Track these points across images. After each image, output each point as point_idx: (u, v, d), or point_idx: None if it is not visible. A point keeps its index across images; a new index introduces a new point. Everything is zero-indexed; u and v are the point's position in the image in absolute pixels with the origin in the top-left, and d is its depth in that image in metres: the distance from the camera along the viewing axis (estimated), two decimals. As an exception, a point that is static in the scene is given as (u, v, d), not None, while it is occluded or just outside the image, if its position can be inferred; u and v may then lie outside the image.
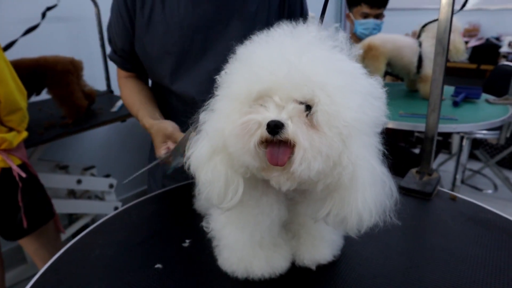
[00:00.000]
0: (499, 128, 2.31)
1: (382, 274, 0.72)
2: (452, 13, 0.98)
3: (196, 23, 1.00)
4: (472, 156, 2.93)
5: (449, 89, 2.14)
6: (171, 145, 0.90)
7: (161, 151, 0.91)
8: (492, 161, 2.88)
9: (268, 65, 0.52)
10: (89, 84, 2.06)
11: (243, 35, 0.99)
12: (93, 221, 2.31)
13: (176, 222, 0.92)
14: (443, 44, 1.01)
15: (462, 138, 2.42)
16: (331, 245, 0.75)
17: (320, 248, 0.73)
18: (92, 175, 2.21)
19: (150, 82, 1.21)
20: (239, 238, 0.68)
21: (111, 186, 2.19)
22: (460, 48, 1.99)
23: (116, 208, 2.21)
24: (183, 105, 1.09)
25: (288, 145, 0.51)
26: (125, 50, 1.10)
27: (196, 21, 1.00)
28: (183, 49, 1.02)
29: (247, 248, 0.69)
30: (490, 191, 2.93)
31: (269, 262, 0.70)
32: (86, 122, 1.89)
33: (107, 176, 2.33)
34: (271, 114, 0.51)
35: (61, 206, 1.95)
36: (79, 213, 2.26)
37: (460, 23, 2.01)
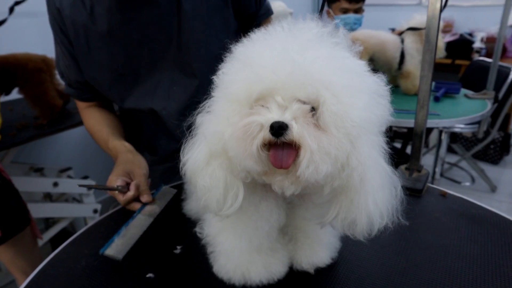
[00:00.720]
0: (476, 122, 2.37)
1: (381, 275, 0.71)
2: (441, 11, 0.98)
3: (138, 38, 0.96)
4: (448, 149, 3.00)
5: (429, 84, 2.17)
6: (132, 187, 0.84)
7: (117, 182, 0.84)
8: (468, 154, 2.96)
9: (270, 63, 0.49)
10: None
11: (188, 37, 0.97)
12: (71, 224, 2.22)
13: (165, 227, 0.88)
14: (431, 41, 1.00)
15: (441, 132, 2.47)
16: (328, 247, 0.73)
17: (318, 251, 0.71)
18: (69, 177, 2.12)
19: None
20: (236, 244, 0.66)
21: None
22: (439, 46, 2.02)
23: (95, 211, 2.13)
24: (145, 117, 1.06)
25: (293, 147, 0.48)
26: (80, 81, 1.04)
27: (137, 36, 0.95)
28: (134, 66, 0.99)
29: (244, 254, 0.66)
30: (468, 184, 3.01)
31: (266, 268, 0.68)
32: (61, 122, 1.81)
33: (85, 177, 2.24)
34: (274, 115, 0.48)
35: (37, 210, 1.86)
36: (56, 217, 2.16)
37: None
